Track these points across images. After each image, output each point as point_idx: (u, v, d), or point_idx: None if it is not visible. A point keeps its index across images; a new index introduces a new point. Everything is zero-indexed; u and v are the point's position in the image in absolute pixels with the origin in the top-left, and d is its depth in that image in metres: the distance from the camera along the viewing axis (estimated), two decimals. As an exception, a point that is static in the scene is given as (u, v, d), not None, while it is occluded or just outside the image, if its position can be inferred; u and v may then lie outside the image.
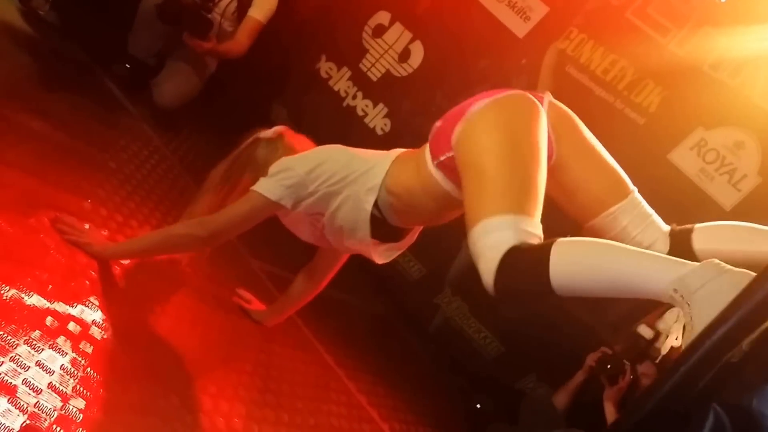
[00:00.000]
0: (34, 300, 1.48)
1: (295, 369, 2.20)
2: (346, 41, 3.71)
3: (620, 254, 1.21)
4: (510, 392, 3.22)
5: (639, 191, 1.60)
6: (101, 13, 3.20)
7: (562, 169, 1.59)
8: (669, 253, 1.45)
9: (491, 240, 1.31)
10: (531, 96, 1.55)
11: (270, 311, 2.27)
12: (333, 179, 1.77)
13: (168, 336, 1.82)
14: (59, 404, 1.30)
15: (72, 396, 1.34)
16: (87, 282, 1.71)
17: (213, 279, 2.29)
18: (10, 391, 1.23)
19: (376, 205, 1.73)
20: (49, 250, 1.69)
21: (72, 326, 1.51)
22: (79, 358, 1.45)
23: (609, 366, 2.56)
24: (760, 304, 0.90)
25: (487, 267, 1.28)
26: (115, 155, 2.49)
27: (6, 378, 1.25)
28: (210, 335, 2.01)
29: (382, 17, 3.63)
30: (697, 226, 1.53)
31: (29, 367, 1.31)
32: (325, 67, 3.78)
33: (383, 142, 3.43)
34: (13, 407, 1.21)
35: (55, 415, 1.27)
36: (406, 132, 3.44)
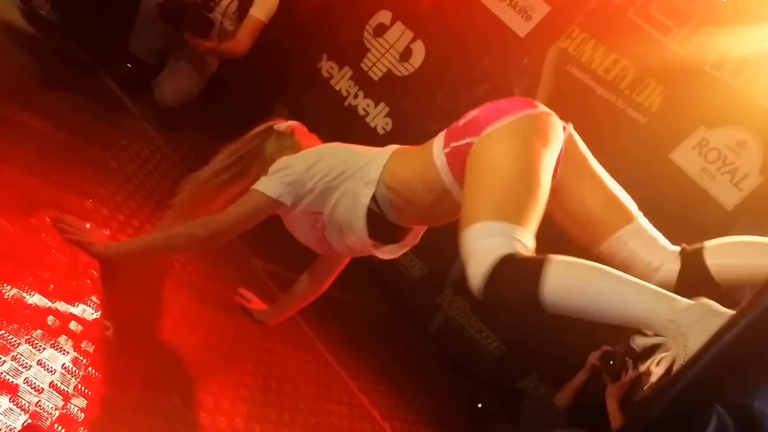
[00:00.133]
0: (36, 299, 1.48)
1: (296, 368, 2.20)
2: (348, 40, 3.71)
3: (617, 281, 1.21)
4: (511, 392, 3.23)
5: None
6: (102, 13, 3.19)
7: (570, 194, 1.61)
8: (682, 271, 1.49)
9: (488, 243, 1.30)
10: (558, 121, 1.58)
11: (271, 311, 2.27)
12: (331, 175, 1.77)
13: (170, 335, 1.82)
14: (61, 403, 1.30)
15: (74, 395, 1.34)
16: (88, 281, 1.71)
17: (215, 278, 2.29)
18: (11, 390, 1.23)
19: (374, 199, 1.73)
20: (51, 250, 1.69)
21: (73, 325, 1.51)
22: (81, 358, 1.45)
23: (612, 362, 2.57)
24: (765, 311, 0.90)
25: (479, 270, 1.28)
26: (116, 155, 2.50)
27: (8, 377, 1.25)
28: (212, 335, 2.01)
29: (384, 16, 3.63)
30: (708, 243, 1.52)
31: (31, 366, 1.31)
32: (326, 66, 3.78)
33: (384, 142, 3.39)
34: (15, 406, 1.21)
35: (56, 415, 1.27)
36: (407, 131, 3.44)
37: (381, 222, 1.77)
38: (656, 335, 1.17)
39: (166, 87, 3.26)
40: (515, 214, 1.35)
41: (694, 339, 1.07)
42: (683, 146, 2.90)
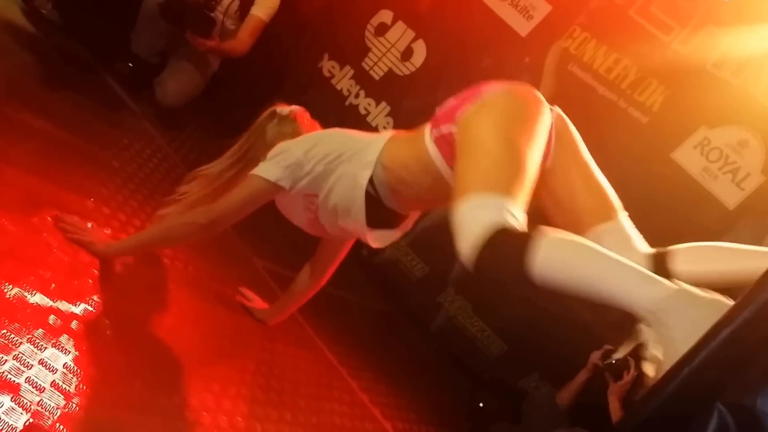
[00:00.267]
0: (37, 298, 1.48)
1: (297, 367, 2.20)
2: (349, 40, 3.71)
3: (608, 261, 1.20)
4: (513, 391, 3.22)
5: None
6: (104, 12, 3.20)
7: (556, 177, 1.61)
8: None
9: (477, 214, 1.30)
10: (542, 96, 1.58)
11: (272, 309, 2.28)
12: (329, 157, 1.78)
13: (170, 334, 1.82)
14: (62, 402, 1.30)
15: (75, 394, 1.34)
16: (90, 280, 1.71)
17: (215, 277, 2.29)
18: (13, 389, 1.23)
19: (371, 182, 1.73)
20: (52, 249, 1.70)
21: (75, 325, 1.52)
22: (82, 357, 1.45)
23: (614, 361, 2.57)
24: (764, 305, 0.90)
25: (470, 242, 1.26)
26: (117, 154, 2.50)
27: (9, 376, 1.25)
28: (212, 334, 2.01)
29: (385, 16, 3.63)
30: (674, 248, 1.51)
31: (32, 365, 1.31)
32: (327, 65, 3.78)
33: (386, 141, 3.42)
34: (17, 405, 1.21)
35: (58, 413, 1.27)
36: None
37: (377, 205, 1.77)
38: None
39: (167, 86, 3.27)
40: (507, 188, 1.35)
41: (677, 329, 1.08)
42: (685, 146, 2.89)
